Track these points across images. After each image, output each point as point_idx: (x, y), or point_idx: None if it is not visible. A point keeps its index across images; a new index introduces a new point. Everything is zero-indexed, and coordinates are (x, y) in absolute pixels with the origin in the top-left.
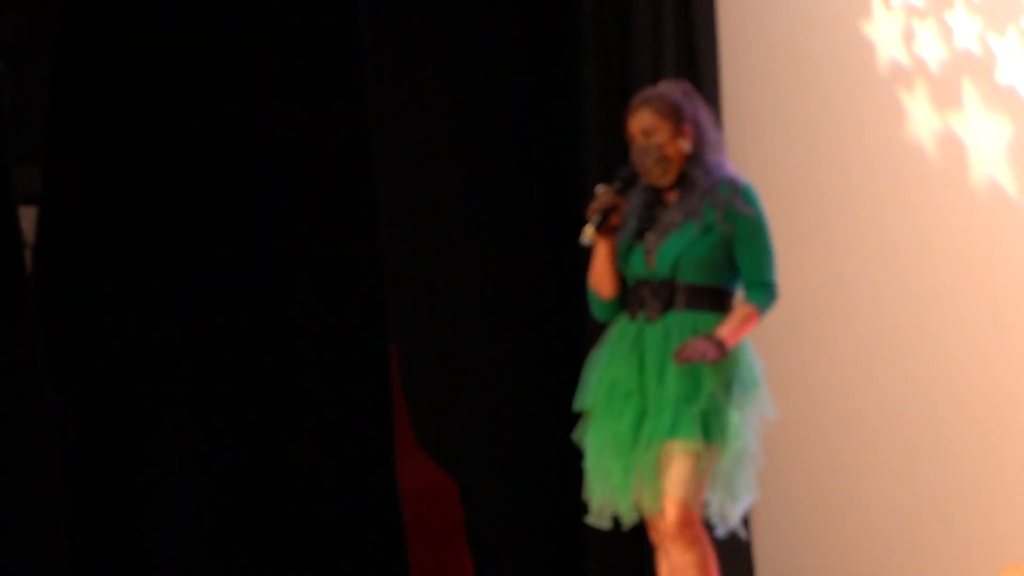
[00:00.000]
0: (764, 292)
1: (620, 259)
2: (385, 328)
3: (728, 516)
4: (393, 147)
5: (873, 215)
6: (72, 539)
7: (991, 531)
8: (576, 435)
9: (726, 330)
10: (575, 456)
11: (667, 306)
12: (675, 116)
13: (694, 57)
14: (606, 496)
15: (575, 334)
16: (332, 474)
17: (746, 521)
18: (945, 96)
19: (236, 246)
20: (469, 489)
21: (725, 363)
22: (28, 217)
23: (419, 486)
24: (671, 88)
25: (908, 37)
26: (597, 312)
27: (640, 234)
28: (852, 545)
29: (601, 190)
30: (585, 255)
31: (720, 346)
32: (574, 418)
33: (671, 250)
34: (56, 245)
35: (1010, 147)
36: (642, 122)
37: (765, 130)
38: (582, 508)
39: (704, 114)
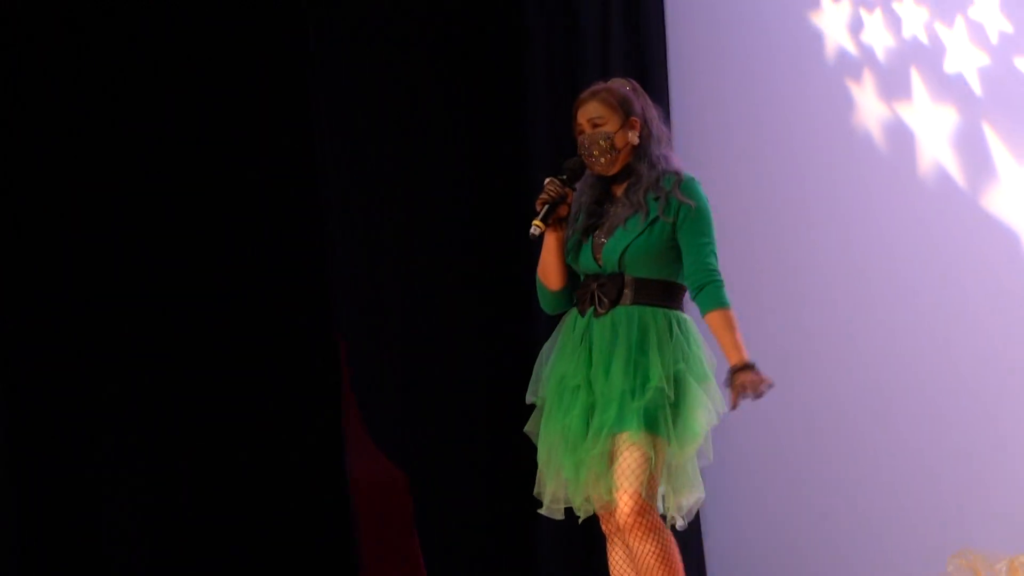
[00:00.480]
0: (713, 288)
1: (570, 254)
2: (333, 325)
3: (669, 509)
4: (340, 146)
5: (823, 204)
6: (24, 535)
7: (937, 520)
8: (528, 428)
9: (735, 355)
10: (523, 449)
11: (615, 301)
12: (623, 108)
13: (642, 47)
14: (559, 488)
15: (524, 329)
16: (283, 467)
17: (697, 517)
18: (893, 85)
19: (184, 247)
20: (419, 481)
21: (674, 358)
22: None
23: (370, 479)
24: (620, 83)
25: (856, 27)
26: (544, 304)
27: (589, 230)
28: (799, 535)
29: (548, 182)
30: (534, 251)
31: (749, 367)
32: (522, 412)
33: (618, 245)
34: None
35: (957, 135)
36: (590, 112)
37: (714, 120)
38: (530, 500)
39: (651, 110)
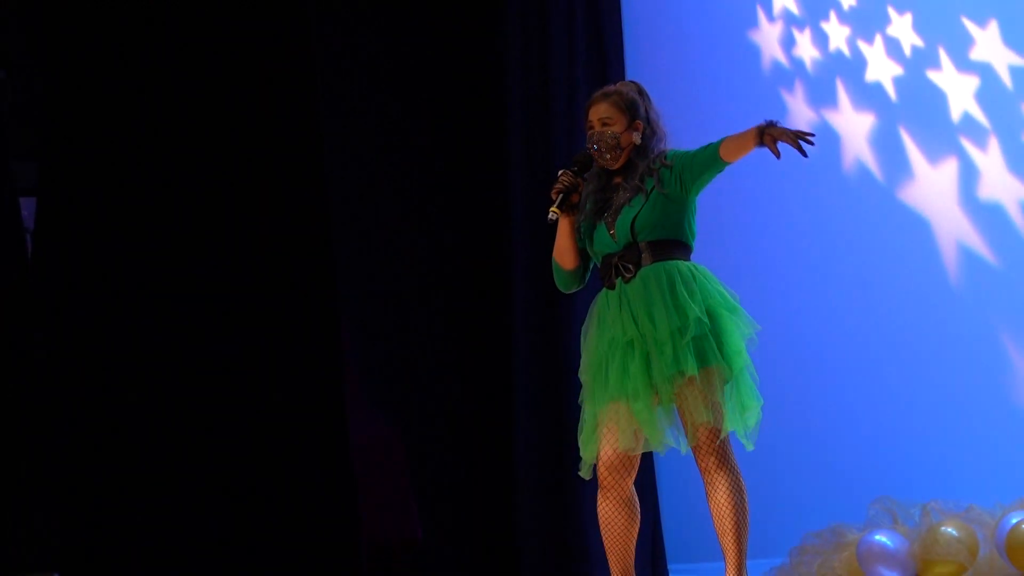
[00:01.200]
0: (711, 144)
1: (585, 239)
2: (335, 300)
3: (739, 434)
4: (340, 137)
5: (759, 197)
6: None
7: (859, 472)
8: (581, 399)
9: (749, 131)
10: (503, 409)
11: (638, 265)
12: (631, 111)
13: (603, 62)
14: (628, 443)
15: (502, 304)
16: (288, 429)
17: (651, 469)
18: (821, 94)
19: (205, 232)
20: (412, 438)
21: (702, 296)
22: (28, 207)
23: (369, 437)
24: (628, 87)
25: (788, 43)
26: (560, 282)
27: (598, 215)
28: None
29: (561, 173)
30: (514, 235)
31: (769, 123)
32: (500, 379)
33: (627, 219)
34: (53, 230)
35: (876, 137)
36: (601, 113)
37: (665, 125)
38: (508, 454)
39: (653, 110)
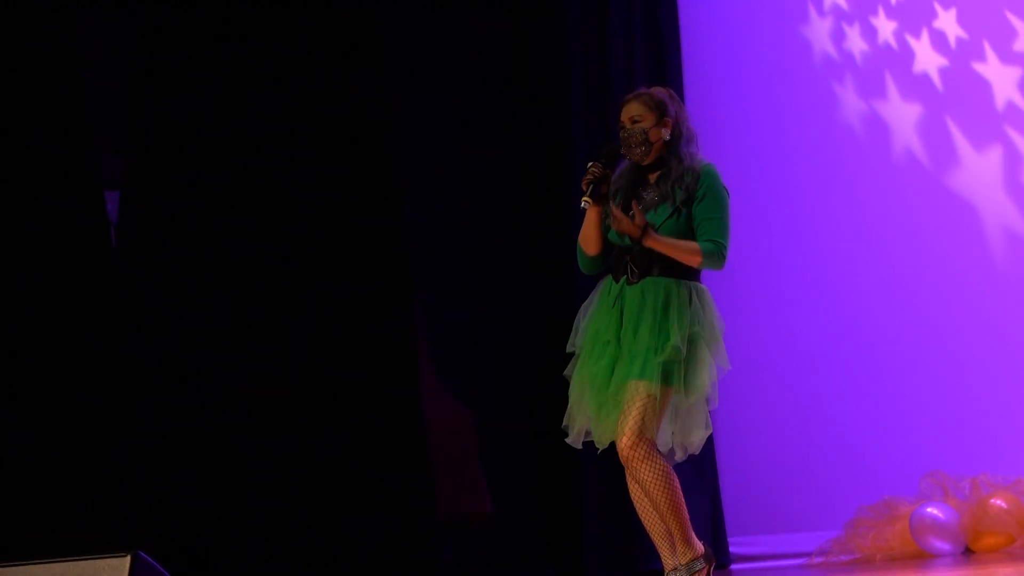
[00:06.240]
0: (713, 245)
1: (611, 229)
2: (409, 291)
3: (687, 446)
4: (411, 135)
5: (811, 184)
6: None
7: (911, 447)
8: (567, 372)
9: (663, 238)
10: (567, 396)
11: (645, 272)
12: (659, 110)
13: (662, 60)
14: (585, 423)
15: (563, 295)
16: (366, 412)
17: (711, 446)
18: (870, 85)
19: (284, 226)
20: (483, 420)
21: (691, 321)
22: (112, 200)
23: (442, 418)
24: (659, 90)
25: (838, 37)
26: (582, 265)
27: (625, 210)
28: (798, 463)
29: (591, 165)
30: (576, 230)
31: (644, 231)
32: (565, 366)
33: None
34: (136, 224)
35: (923, 126)
36: (631, 112)
37: (721, 117)
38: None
39: (684, 113)
